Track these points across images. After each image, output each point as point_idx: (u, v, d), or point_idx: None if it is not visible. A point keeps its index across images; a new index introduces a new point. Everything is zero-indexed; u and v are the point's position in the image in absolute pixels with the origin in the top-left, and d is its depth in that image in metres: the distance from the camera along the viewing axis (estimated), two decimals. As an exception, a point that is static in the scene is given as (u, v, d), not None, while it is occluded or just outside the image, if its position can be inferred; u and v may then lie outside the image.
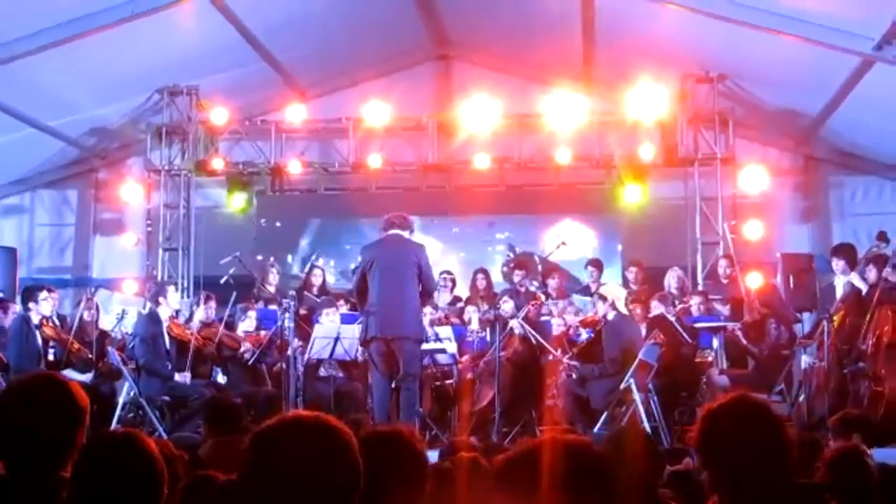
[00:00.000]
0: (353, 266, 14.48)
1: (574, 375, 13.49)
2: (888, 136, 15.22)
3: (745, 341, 13.64)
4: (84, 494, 3.63)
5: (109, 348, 13.76)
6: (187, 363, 13.41)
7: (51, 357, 13.63)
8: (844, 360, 12.31)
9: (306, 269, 16.13)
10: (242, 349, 13.95)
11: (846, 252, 13.25)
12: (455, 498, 5.05)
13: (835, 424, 7.99)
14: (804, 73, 14.19)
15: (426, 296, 12.79)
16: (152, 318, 13.35)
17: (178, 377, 13.26)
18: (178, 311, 14.40)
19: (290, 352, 13.11)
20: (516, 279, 15.43)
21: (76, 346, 13.68)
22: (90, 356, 13.77)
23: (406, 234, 12.51)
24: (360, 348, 13.18)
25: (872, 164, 16.47)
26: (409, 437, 4.13)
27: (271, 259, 16.47)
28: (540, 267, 15.50)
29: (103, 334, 14.41)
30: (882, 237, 12.41)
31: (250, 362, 13.83)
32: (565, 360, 13.68)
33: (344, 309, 14.47)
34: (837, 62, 13.27)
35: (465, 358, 14.21)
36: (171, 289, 14.02)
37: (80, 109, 15.96)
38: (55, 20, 13.13)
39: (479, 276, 16.10)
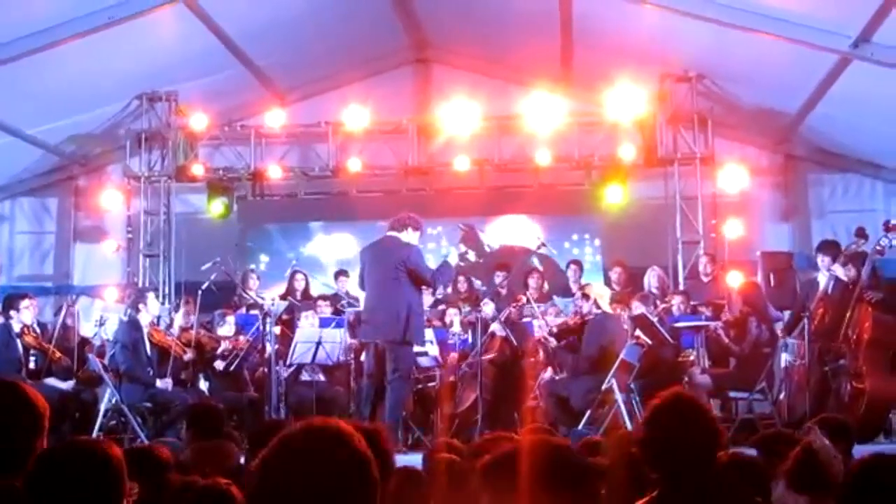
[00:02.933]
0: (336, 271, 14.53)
1: (544, 358, 13.66)
2: (866, 133, 15.30)
3: (726, 339, 13.66)
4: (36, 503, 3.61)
5: (90, 355, 13.72)
6: (168, 369, 13.38)
7: (32, 366, 13.58)
8: (825, 357, 12.34)
9: (287, 275, 16.09)
10: (221, 348, 13.90)
11: (831, 248, 13.27)
12: (427, 499, 5.07)
13: (817, 426, 7.97)
14: (782, 71, 14.23)
15: (428, 288, 12.95)
16: (132, 325, 13.31)
17: (159, 383, 13.22)
18: (158, 318, 14.36)
19: (271, 356, 13.13)
20: (497, 280, 15.49)
21: (57, 354, 13.61)
22: (71, 364, 13.73)
23: (401, 234, 12.36)
24: (342, 352, 13.23)
25: (851, 162, 16.54)
26: (375, 434, 4.13)
27: (252, 265, 16.51)
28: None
29: (83, 341, 14.39)
30: (861, 234, 12.44)
31: (231, 367, 13.78)
32: (543, 332, 13.69)
33: (327, 311, 14.45)
34: (815, 60, 13.32)
35: (452, 356, 14.23)
36: (150, 295, 13.96)
37: (60, 117, 15.90)
38: (33, 28, 13.10)
39: (460, 278, 16.14)
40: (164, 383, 13.25)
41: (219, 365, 13.85)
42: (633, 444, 4.35)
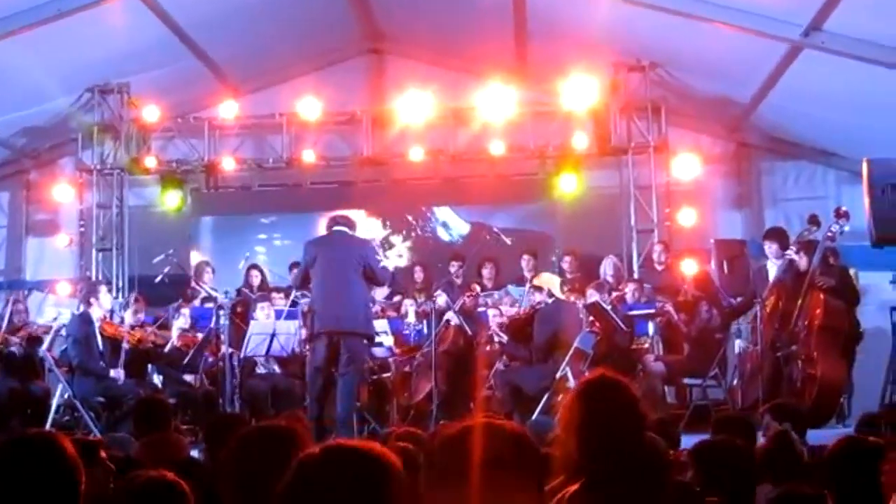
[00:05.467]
0: (290, 262, 14.44)
1: (499, 348, 13.75)
2: (817, 121, 15.37)
3: (676, 317, 13.75)
4: None
5: (42, 350, 13.63)
6: (120, 361, 13.30)
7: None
8: (777, 343, 12.41)
9: (242, 267, 16.00)
10: (168, 348, 13.86)
11: (778, 235, 13.36)
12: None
13: (767, 413, 8.04)
14: (735, 60, 14.27)
15: (376, 283, 12.91)
16: (84, 319, 13.21)
17: (112, 373, 13.15)
18: (112, 311, 14.29)
19: (225, 349, 13.10)
20: (452, 270, 15.52)
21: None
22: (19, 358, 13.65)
23: (351, 232, 12.54)
24: (297, 344, 13.21)
25: (803, 150, 16.61)
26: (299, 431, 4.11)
27: (207, 259, 16.45)
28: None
29: (33, 337, 14.26)
30: (813, 220, 12.54)
31: (185, 361, 13.71)
32: (493, 328, 13.75)
33: (281, 304, 14.40)
34: (767, 49, 13.36)
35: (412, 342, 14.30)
36: (102, 289, 13.86)
37: (10, 110, 15.73)
38: (-20, 21, 13.00)
39: (416, 268, 16.20)
40: (116, 373, 13.17)
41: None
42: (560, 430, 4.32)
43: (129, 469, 5.67)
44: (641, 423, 4.21)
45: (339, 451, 2.85)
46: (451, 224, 17.84)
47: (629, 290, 14.19)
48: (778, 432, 6.52)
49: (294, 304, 14.34)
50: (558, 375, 12.39)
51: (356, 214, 16.21)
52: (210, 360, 13.78)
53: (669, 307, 13.87)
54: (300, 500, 2.79)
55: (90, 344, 13.08)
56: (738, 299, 13.90)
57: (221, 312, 13.38)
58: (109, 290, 14.52)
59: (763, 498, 5.33)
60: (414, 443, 6.29)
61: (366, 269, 12.20)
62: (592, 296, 13.39)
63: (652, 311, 13.98)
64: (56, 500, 3.50)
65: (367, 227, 16.98)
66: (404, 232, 17.88)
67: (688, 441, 6.53)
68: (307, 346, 13.01)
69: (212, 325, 13.67)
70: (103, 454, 5.50)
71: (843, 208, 12.28)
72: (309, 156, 16.83)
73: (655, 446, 4.97)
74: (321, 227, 13.54)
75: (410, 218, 17.90)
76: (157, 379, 14.17)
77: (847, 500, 4.75)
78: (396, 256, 17.49)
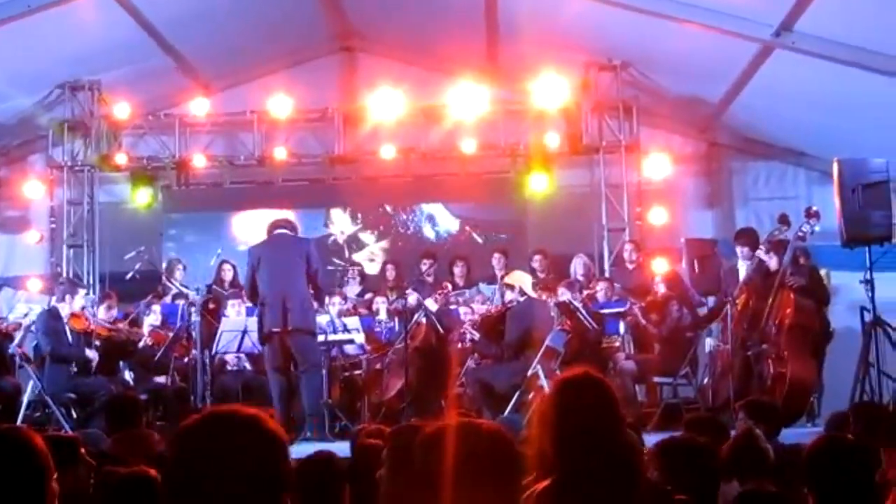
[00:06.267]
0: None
1: (470, 345, 13.77)
2: (788, 121, 15.45)
3: (643, 320, 13.80)
4: None
5: (12, 346, 13.58)
6: (91, 343, 13.31)
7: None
8: (748, 342, 12.48)
9: (213, 263, 15.96)
10: (141, 345, 13.86)
11: (748, 237, 13.45)
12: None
13: (742, 409, 8.07)
14: (706, 60, 14.32)
15: (316, 290, 12.87)
16: (52, 314, 13.19)
17: (88, 353, 13.17)
18: (83, 308, 14.24)
19: (196, 347, 13.09)
20: (423, 268, 15.53)
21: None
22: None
23: (290, 233, 12.77)
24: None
25: (773, 149, 16.66)
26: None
27: (178, 256, 16.42)
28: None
29: (3, 333, 14.18)
30: (783, 220, 12.62)
31: (156, 358, 13.69)
32: (466, 326, 13.78)
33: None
34: (738, 49, 13.43)
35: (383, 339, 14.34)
36: (81, 292, 13.88)
37: (-21, 106, 15.71)
38: (-49, 16, 12.94)
39: (388, 266, 16.22)
40: (91, 353, 13.20)
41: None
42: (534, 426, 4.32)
43: (103, 464, 5.67)
44: (619, 421, 4.23)
45: (216, 417, 2.85)
46: (440, 220, 17.82)
47: (600, 288, 14.25)
48: (744, 431, 6.55)
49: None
50: (529, 373, 12.40)
51: (331, 212, 16.43)
52: (179, 358, 13.77)
53: (636, 309, 13.91)
54: (183, 468, 2.79)
55: (59, 335, 13.04)
56: (710, 299, 13.97)
57: (193, 309, 13.35)
58: (85, 295, 14.42)
59: (728, 496, 5.36)
60: (383, 440, 6.32)
61: (308, 267, 12.40)
62: (563, 294, 13.43)
63: (621, 310, 14.03)
64: (25, 497, 3.47)
65: (340, 223, 17.06)
66: (380, 228, 17.87)
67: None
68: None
69: (182, 321, 13.67)
70: (82, 451, 5.49)
71: (814, 208, 12.35)
72: (280, 153, 16.80)
73: (632, 444, 4.99)
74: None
75: (390, 211, 17.91)
76: (129, 375, 14.12)
77: (828, 500, 4.76)
78: (367, 260, 17.51)
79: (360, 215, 17.87)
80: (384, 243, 17.74)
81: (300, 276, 12.32)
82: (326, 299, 13.97)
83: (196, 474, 2.74)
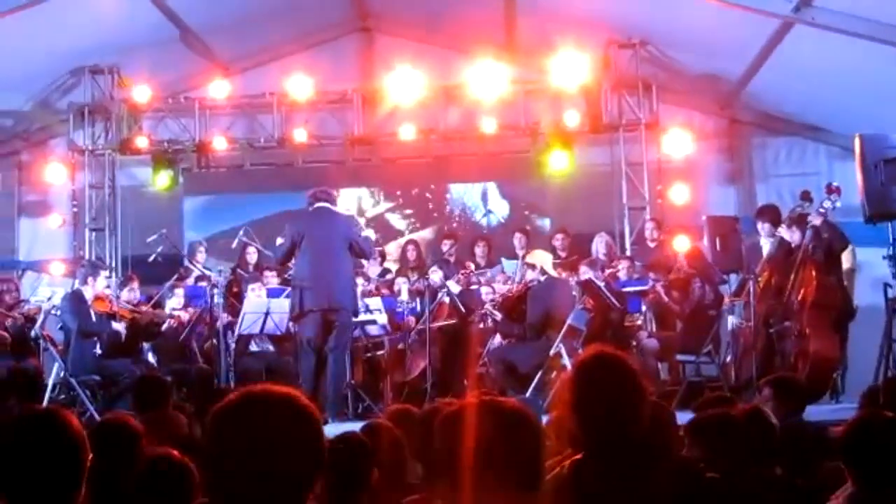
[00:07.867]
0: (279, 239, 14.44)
1: (492, 325, 13.79)
2: (808, 97, 15.39)
3: (666, 298, 13.79)
4: None
5: (36, 328, 13.62)
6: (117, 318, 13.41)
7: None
8: (771, 319, 12.43)
9: (235, 245, 15.94)
10: (165, 327, 13.93)
11: (770, 213, 13.40)
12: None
13: (766, 386, 8.01)
14: (725, 36, 14.28)
15: (363, 257, 13.24)
16: (76, 297, 13.21)
17: (115, 325, 13.29)
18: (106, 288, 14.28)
19: (219, 328, 13.13)
20: (445, 248, 15.54)
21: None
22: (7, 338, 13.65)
23: (333, 207, 12.62)
24: (290, 322, 13.21)
25: (794, 126, 16.61)
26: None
27: (200, 238, 16.44)
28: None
29: (27, 316, 14.23)
30: (806, 196, 12.54)
31: (179, 339, 13.75)
32: (487, 306, 13.79)
33: (274, 282, 14.43)
34: (757, 25, 13.39)
35: (409, 318, 14.31)
36: (103, 273, 13.95)
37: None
38: (-33, 2, 12.97)
39: (409, 247, 16.24)
40: (119, 325, 13.32)
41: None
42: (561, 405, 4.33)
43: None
44: (642, 397, 4.24)
45: (251, 397, 2.88)
46: (492, 205, 17.86)
47: (622, 267, 14.23)
48: (751, 408, 6.52)
49: (287, 282, 14.32)
50: (552, 352, 12.39)
51: (357, 192, 16.46)
52: (206, 338, 13.80)
53: (659, 287, 13.91)
54: (220, 447, 2.82)
55: (84, 314, 13.07)
56: (732, 276, 13.95)
57: (215, 291, 13.38)
58: (107, 277, 14.47)
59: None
60: (408, 420, 6.35)
61: (352, 245, 12.42)
62: (585, 273, 13.41)
63: (644, 288, 14.02)
64: (62, 477, 3.50)
65: (358, 202, 17.16)
66: (414, 209, 17.95)
67: (682, 418, 6.54)
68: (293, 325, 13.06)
69: (206, 303, 13.69)
70: None
71: (835, 184, 12.26)
72: (300, 135, 16.81)
73: (661, 419, 4.99)
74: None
75: (422, 193, 17.98)
76: (152, 357, 14.16)
77: (869, 479, 4.74)
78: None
79: (382, 195, 17.88)
80: (426, 230, 17.75)
81: (343, 254, 12.35)
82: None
83: (235, 454, 2.77)
